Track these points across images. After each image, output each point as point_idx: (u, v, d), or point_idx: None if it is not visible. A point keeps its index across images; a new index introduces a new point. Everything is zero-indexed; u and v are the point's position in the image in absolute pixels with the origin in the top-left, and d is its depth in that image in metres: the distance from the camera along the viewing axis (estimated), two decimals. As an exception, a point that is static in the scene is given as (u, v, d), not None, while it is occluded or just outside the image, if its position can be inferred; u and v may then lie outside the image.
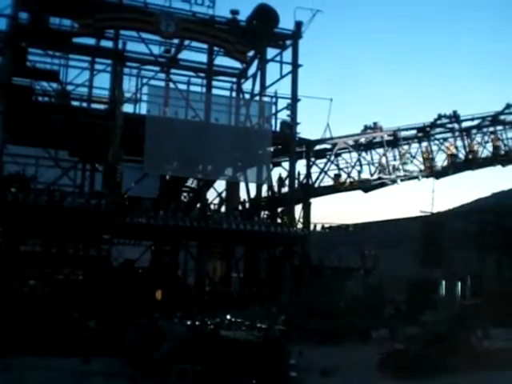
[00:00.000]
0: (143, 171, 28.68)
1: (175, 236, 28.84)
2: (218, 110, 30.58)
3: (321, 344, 21.70)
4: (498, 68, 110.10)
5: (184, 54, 32.04)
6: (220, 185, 32.58)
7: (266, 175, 31.02)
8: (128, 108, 28.06)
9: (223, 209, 32.01)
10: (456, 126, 34.49)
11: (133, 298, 23.13)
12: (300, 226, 30.39)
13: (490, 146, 35.11)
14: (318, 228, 32.50)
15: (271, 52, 31.97)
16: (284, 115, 30.81)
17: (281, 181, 31.78)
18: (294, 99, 30.52)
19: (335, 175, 32.90)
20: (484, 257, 35.96)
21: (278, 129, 30.74)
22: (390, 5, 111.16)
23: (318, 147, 33.19)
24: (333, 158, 32.98)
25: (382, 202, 78.73)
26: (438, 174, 34.07)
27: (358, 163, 33.05)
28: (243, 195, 32.46)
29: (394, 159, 33.40)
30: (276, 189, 31.74)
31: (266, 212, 31.52)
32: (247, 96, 33.17)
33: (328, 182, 33.01)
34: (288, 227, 29.02)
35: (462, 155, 34.49)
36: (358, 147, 33.28)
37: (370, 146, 33.51)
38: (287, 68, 31.14)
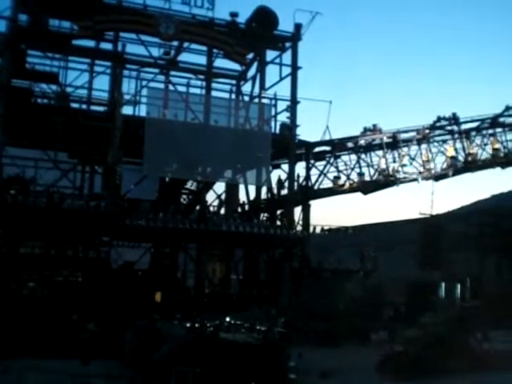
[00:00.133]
0: (142, 173, 28.67)
1: (175, 238, 28.83)
2: (218, 112, 30.57)
3: (320, 346, 21.69)
4: (497, 70, 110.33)
5: (183, 56, 32.09)
6: (219, 187, 32.63)
7: (265, 177, 31.03)
8: (127, 110, 28.09)
9: (223, 211, 31.99)
10: (455, 128, 34.53)
11: (132, 300, 23.10)
12: (299, 228, 30.39)
13: (489, 149, 35.15)
14: (318, 230, 32.50)
15: (271, 54, 32.02)
16: (283, 117, 30.84)
17: (280, 183, 31.78)
18: (294, 101, 30.53)
19: (334, 177, 32.94)
20: (483, 259, 36.02)
21: (277, 131, 30.75)
22: (389, 8, 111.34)
23: (317, 149, 33.23)
24: (332, 160, 33.02)
25: (381, 204, 78.79)
26: (438, 176, 34.09)
27: (357, 165, 33.10)
28: (242, 197, 32.50)
29: (394, 161, 33.42)
30: (275, 191, 31.75)
31: (266, 214, 31.52)
32: (246, 98, 33.18)
33: (327, 184, 33.06)
34: (287, 229, 29.01)
35: (461, 157, 34.52)
36: (358, 149, 33.31)
37: (369, 148, 33.54)
38: (287, 70, 31.16)
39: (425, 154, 33.73)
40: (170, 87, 31.27)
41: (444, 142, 34.42)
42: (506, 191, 48.17)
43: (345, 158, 33.28)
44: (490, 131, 35.19)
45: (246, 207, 32.06)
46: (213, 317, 17.86)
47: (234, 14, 29.98)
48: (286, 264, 29.04)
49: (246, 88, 33.39)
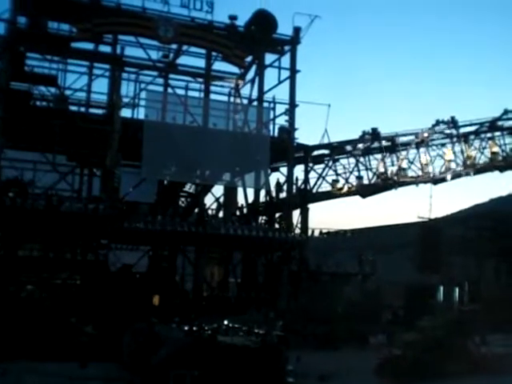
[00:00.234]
0: (141, 176, 28.67)
1: (173, 241, 28.81)
2: (216, 115, 30.58)
3: (319, 349, 21.67)
4: (496, 74, 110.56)
5: (182, 59, 32.13)
6: (218, 190, 32.62)
7: (263, 180, 31.05)
8: (126, 113, 28.14)
9: (221, 214, 31.99)
10: (454, 131, 34.51)
11: (130, 303, 23.07)
12: (298, 231, 30.39)
13: (487, 152, 35.13)
14: (316, 233, 32.51)
15: (269, 57, 32.04)
16: (282, 120, 30.92)
17: (279, 186, 31.79)
18: (292, 105, 30.57)
19: (333, 181, 32.95)
20: (482, 263, 36.00)
21: (276, 134, 30.77)
22: (388, 11, 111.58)
23: (316, 153, 33.25)
24: (331, 163, 33.04)
25: (379, 208, 78.85)
26: (436, 179, 34.10)
27: (355, 169, 33.12)
28: (241, 200, 32.51)
29: (392, 165, 33.44)
30: (274, 194, 31.75)
31: (264, 217, 31.52)
32: (245, 101, 33.19)
33: (326, 187, 33.08)
34: (286, 232, 29.00)
35: (459, 161, 34.53)
36: (356, 153, 33.32)
37: (367, 151, 33.55)
38: (285, 73, 31.21)
39: (423, 157, 33.74)
40: (169, 90, 31.30)
41: (443, 145, 34.42)
42: (504, 195, 48.23)
43: (343, 161, 33.32)
44: (489, 135, 35.17)
45: (245, 210, 32.07)
46: (211, 320, 17.84)
47: (233, 17, 30.03)
48: (284, 267, 29.03)
49: (245, 91, 33.47)
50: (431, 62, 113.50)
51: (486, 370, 17.44)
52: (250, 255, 31.42)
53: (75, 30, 28.24)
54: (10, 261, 24.10)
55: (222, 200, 32.54)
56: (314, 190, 32.84)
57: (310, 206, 32.30)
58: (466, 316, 23.96)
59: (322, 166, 33.09)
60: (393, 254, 38.99)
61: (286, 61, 31.25)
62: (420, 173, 33.52)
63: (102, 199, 25.85)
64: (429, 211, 35.86)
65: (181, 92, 31.32)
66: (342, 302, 27.21)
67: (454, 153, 34.40)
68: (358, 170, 33.09)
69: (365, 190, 33.15)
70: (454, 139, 34.52)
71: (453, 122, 34.39)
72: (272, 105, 30.98)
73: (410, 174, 33.61)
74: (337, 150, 33.13)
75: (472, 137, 34.87)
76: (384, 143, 33.58)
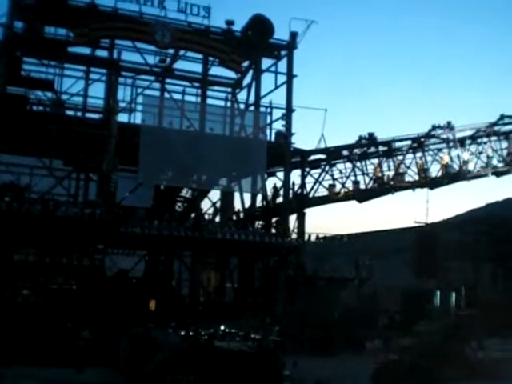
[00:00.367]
0: (138, 181, 28.62)
1: (169, 246, 28.76)
2: (213, 119, 30.57)
3: (315, 355, 21.65)
4: (492, 79, 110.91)
5: (179, 64, 32.09)
6: (214, 194, 32.60)
7: (260, 185, 31.03)
8: (123, 117, 28.06)
9: (218, 219, 31.96)
10: (450, 136, 34.62)
11: (126, 308, 23.01)
12: (294, 236, 30.37)
13: (484, 157, 35.27)
14: (313, 238, 32.48)
15: (266, 62, 32.08)
16: (279, 125, 30.90)
17: (275, 191, 31.78)
18: (289, 109, 30.57)
19: (330, 185, 32.98)
20: (478, 267, 36.06)
21: (272, 139, 30.79)
22: (385, 16, 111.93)
23: (312, 157, 33.28)
24: (327, 168, 33.06)
25: (376, 213, 78.93)
26: (433, 184, 34.15)
27: (352, 173, 33.15)
28: (238, 205, 32.47)
29: (389, 169, 33.50)
30: (270, 199, 31.73)
31: (261, 222, 31.49)
32: (242, 106, 33.21)
33: (322, 192, 33.10)
34: (282, 237, 28.98)
35: (456, 166, 34.60)
36: (353, 157, 33.35)
37: (364, 156, 33.59)
38: (282, 78, 31.24)
39: (420, 162, 33.80)
40: (166, 95, 31.29)
41: (439, 150, 34.51)
42: (500, 200, 48.36)
43: (340, 166, 33.38)
44: (485, 140, 35.31)
45: (241, 215, 32.03)
46: (207, 325, 17.80)
47: (229, 22, 30.05)
48: (280, 272, 28.98)
49: (242, 96, 33.48)
50: (428, 66, 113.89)
51: (483, 374, 17.46)
52: (246, 260, 31.38)
53: (72, 35, 28.20)
54: (5, 265, 24.01)
55: (218, 205, 32.52)
56: (311, 195, 32.86)
57: (307, 210, 32.32)
58: (463, 321, 24.00)
59: (319, 170, 33.11)
60: (389, 258, 39.01)
61: (282, 66, 31.30)
62: (416, 177, 33.59)
63: (98, 204, 25.80)
64: (425, 216, 35.94)
65: (178, 97, 31.37)
66: (338, 307, 27.21)
67: (451, 158, 34.50)
68: (355, 175, 33.14)
69: (361, 195, 33.18)
70: (451, 144, 34.61)
71: (449, 127, 34.49)
72: (269, 110, 31.01)
73: (407, 178, 33.67)
74: (333, 154, 33.16)
75: (468, 142, 34.99)
76: (381, 148, 33.64)
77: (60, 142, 25.47)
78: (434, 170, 34.12)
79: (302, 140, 56.12)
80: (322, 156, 33.29)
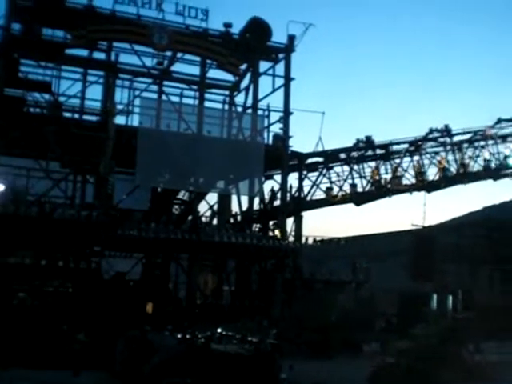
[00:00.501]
0: (135, 183, 28.57)
1: (166, 248, 28.70)
2: (211, 122, 30.56)
3: (312, 358, 21.62)
4: (491, 81, 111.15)
5: (177, 67, 32.11)
6: (212, 197, 32.55)
7: (257, 188, 31.01)
8: (120, 120, 28.06)
9: (215, 221, 31.92)
10: (447, 140, 34.65)
11: (123, 311, 22.95)
12: (292, 239, 30.33)
13: (481, 160, 35.28)
14: (310, 241, 32.47)
15: (264, 65, 32.07)
16: (276, 128, 30.90)
17: (273, 194, 31.76)
18: (287, 112, 30.58)
19: (327, 188, 32.96)
20: (475, 270, 36.07)
21: (270, 142, 30.78)
22: (382, 17, 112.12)
23: (310, 160, 33.27)
24: (325, 171, 33.06)
25: (373, 216, 78.93)
26: (430, 187, 34.15)
27: (349, 176, 33.14)
28: (235, 208, 32.44)
29: (386, 173, 33.50)
30: (268, 202, 31.69)
31: (258, 225, 31.46)
32: (239, 109, 33.19)
33: (320, 195, 33.09)
34: (279, 240, 28.95)
35: (453, 169, 34.62)
36: (350, 160, 33.36)
37: (361, 159, 33.59)
38: (280, 81, 31.23)
39: (417, 165, 33.81)
40: (163, 97, 31.25)
41: (436, 153, 34.52)
42: (497, 203, 48.38)
43: (337, 169, 33.37)
44: (482, 143, 35.33)
45: (239, 218, 31.99)
46: (204, 328, 17.76)
47: (227, 25, 30.04)
48: (278, 275, 28.96)
49: (239, 99, 33.47)
50: (426, 68, 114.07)
51: (480, 377, 17.45)
52: (243, 263, 31.33)
53: (69, 37, 28.17)
54: (1, 268, 23.92)
55: (215, 207, 32.48)
56: (308, 198, 32.84)
57: (304, 213, 32.30)
58: (460, 324, 23.97)
59: (316, 173, 33.11)
60: (387, 261, 39.03)
61: (280, 69, 31.32)
62: (414, 181, 33.60)
63: (95, 206, 25.75)
64: (422, 219, 35.94)
65: (175, 99, 31.34)
66: (335, 310, 27.16)
67: (448, 161, 34.52)
68: (352, 178, 33.13)
69: (359, 198, 33.17)
70: (448, 147, 34.64)
71: (446, 131, 34.51)
72: (266, 112, 31.02)
73: (404, 181, 33.67)
74: (331, 157, 33.16)
75: (466, 145, 35.01)
76: (378, 151, 33.64)
77: (57, 144, 25.42)
78: (432, 174, 34.15)
79: (300, 143, 56.15)
80: (320, 159, 33.29)
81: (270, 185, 32.08)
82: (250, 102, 32.29)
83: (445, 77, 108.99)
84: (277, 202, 31.46)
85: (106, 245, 26.24)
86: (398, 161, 33.70)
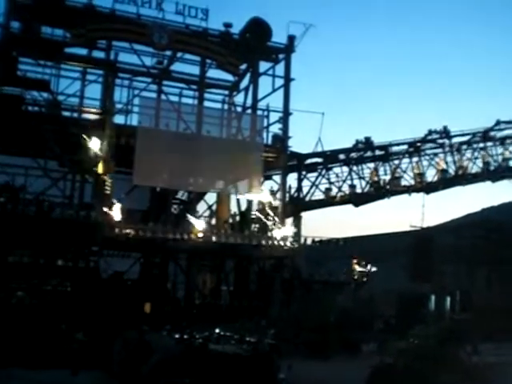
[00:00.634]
0: (133, 183, 28.51)
1: (164, 248, 28.65)
2: (210, 122, 30.52)
3: (310, 358, 21.57)
4: (489, 84, 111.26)
5: (176, 66, 32.02)
6: (211, 197, 32.51)
7: (257, 188, 30.92)
8: (119, 119, 28.02)
9: (214, 221, 31.87)
10: (446, 141, 34.71)
11: (121, 311, 22.91)
12: (290, 239, 30.29)
13: (479, 162, 35.36)
14: (309, 242, 32.47)
15: (264, 65, 32.04)
16: (276, 128, 30.88)
17: (272, 194, 31.70)
18: (286, 113, 30.55)
19: (326, 189, 32.98)
20: (473, 271, 36.13)
21: (269, 142, 30.76)
22: (383, 21, 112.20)
23: (309, 161, 33.26)
24: (324, 171, 33.06)
25: (372, 217, 78.88)
26: (429, 188, 34.20)
27: (348, 177, 33.16)
28: (234, 208, 32.40)
29: (385, 174, 33.54)
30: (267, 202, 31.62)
31: (257, 225, 31.41)
32: (239, 109, 33.16)
33: (319, 195, 33.09)
34: (278, 241, 28.91)
35: (452, 171, 34.66)
36: (349, 161, 33.36)
37: (361, 160, 33.61)
38: (279, 81, 31.20)
39: (416, 166, 33.85)
40: (163, 97, 31.20)
41: (435, 155, 34.59)
42: (496, 205, 48.47)
43: (336, 169, 33.41)
44: (481, 145, 35.41)
45: (237, 218, 31.96)
46: (202, 328, 17.73)
47: (227, 25, 30.01)
48: (276, 275, 28.94)
49: (239, 99, 33.45)
50: (426, 70, 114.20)
51: (478, 379, 17.41)
52: (242, 263, 31.30)
53: (69, 36, 28.12)
54: (0, 267, 23.88)
55: (214, 207, 32.44)
56: (307, 199, 32.84)
57: (303, 214, 32.27)
58: (458, 325, 23.99)
59: (315, 174, 33.12)
60: (385, 262, 39.03)
61: (280, 69, 31.28)
62: (412, 182, 33.64)
63: (93, 206, 25.71)
64: (421, 220, 36.02)
65: (174, 99, 31.26)
66: (334, 311, 27.15)
67: (447, 163, 34.57)
68: (351, 179, 33.18)
69: (358, 199, 33.19)
70: (447, 149, 34.70)
71: (445, 132, 34.60)
72: (266, 113, 30.98)
73: (403, 183, 33.71)
74: (330, 158, 33.18)
75: (464, 147, 35.10)
76: (377, 152, 33.67)
77: (55, 142, 25.36)
78: (430, 175, 34.22)
79: (299, 143, 56.06)
80: (319, 160, 33.30)
81: (269, 185, 32.12)
82: (249, 102, 32.25)
83: (445, 77, 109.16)
84: (276, 203, 31.42)
85: (104, 244, 26.20)
86: (396, 162, 33.76)
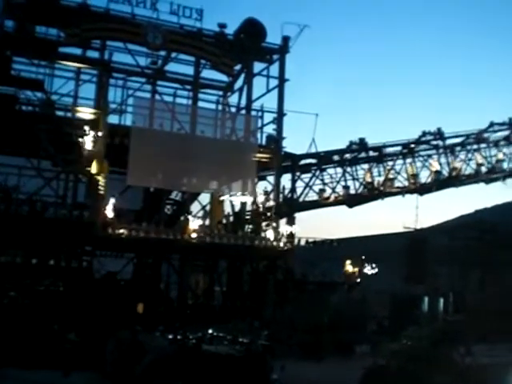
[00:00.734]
0: (127, 183, 28.44)
1: (158, 249, 28.60)
2: (204, 122, 30.49)
3: (304, 359, 21.59)
4: (483, 86, 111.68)
5: (170, 66, 31.99)
6: (204, 197, 32.47)
7: (250, 189, 30.94)
8: (113, 119, 27.96)
9: (207, 222, 31.83)
10: (440, 143, 34.83)
11: (114, 311, 22.85)
12: (284, 240, 30.28)
13: (473, 164, 35.49)
14: (302, 242, 32.43)
15: (258, 66, 32.06)
16: (270, 129, 30.89)
17: (266, 195, 31.70)
18: (280, 113, 30.56)
19: (320, 190, 33.00)
20: (467, 273, 36.21)
21: (263, 143, 30.76)
22: (377, 23, 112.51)
23: (303, 162, 33.27)
24: (318, 172, 33.07)
25: (366, 218, 78.99)
26: (422, 190, 34.28)
27: (342, 178, 33.19)
28: (228, 209, 32.37)
29: (379, 175, 33.58)
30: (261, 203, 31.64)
31: (250, 226, 31.39)
32: (233, 109, 33.15)
33: (313, 196, 33.10)
34: (272, 241, 28.90)
35: (445, 172, 34.77)
36: (343, 162, 33.39)
37: (354, 161, 33.65)
38: (274, 82, 31.22)
39: (410, 168, 33.93)
40: (157, 97, 31.16)
41: (429, 156, 34.68)
42: (489, 206, 48.66)
43: (330, 170, 33.41)
44: (475, 146, 35.54)
45: (231, 218, 31.93)
46: (196, 329, 17.71)
47: (222, 25, 30.00)
48: (270, 276, 28.92)
49: (233, 99, 33.43)
50: (422, 70, 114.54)
51: (471, 380, 17.43)
52: (235, 264, 31.27)
53: (63, 35, 28.05)
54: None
55: (208, 208, 32.40)
56: (301, 199, 32.84)
57: (297, 215, 32.27)
58: (451, 326, 24.01)
59: (309, 175, 33.13)
60: (379, 263, 39.07)
61: (274, 70, 31.31)
62: (406, 183, 33.72)
63: (86, 206, 25.63)
64: (415, 222, 36.08)
65: (169, 99, 31.22)
66: (327, 312, 27.15)
67: (440, 164, 34.67)
68: (345, 180, 33.21)
69: (351, 200, 33.23)
70: (441, 150, 34.81)
71: (439, 134, 34.71)
72: (260, 113, 30.99)
73: (397, 184, 33.77)
74: (324, 159, 33.20)
75: (458, 148, 35.24)
76: (371, 153, 33.72)
77: (49, 142, 25.28)
78: (424, 176, 34.31)
79: (293, 144, 56.12)
80: (313, 160, 33.31)
81: (263, 186, 32.10)
82: (243, 102, 32.25)
83: (442, 77, 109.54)
84: (270, 203, 31.42)
85: (97, 244, 26.13)
86: (391, 163, 33.82)
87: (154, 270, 30.84)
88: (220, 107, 33.67)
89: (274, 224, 29.65)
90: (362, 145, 33.65)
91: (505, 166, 36.44)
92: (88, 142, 25.64)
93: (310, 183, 32.99)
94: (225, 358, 15.10)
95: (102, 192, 25.99)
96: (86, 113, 28.04)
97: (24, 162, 26.66)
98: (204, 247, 27.68)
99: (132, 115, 28.66)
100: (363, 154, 33.79)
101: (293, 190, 32.63)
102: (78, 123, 26.79)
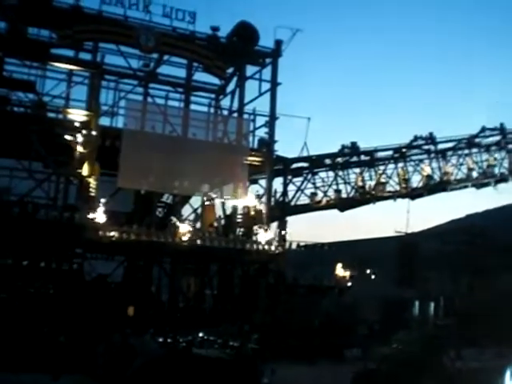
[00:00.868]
0: (118, 185, 28.37)
1: (149, 251, 28.52)
2: (196, 125, 30.49)
3: (294, 363, 21.57)
4: (475, 91, 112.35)
5: (163, 69, 31.92)
6: (196, 200, 32.42)
7: (242, 192, 30.91)
8: (104, 121, 27.88)
9: (198, 225, 31.78)
10: (432, 147, 34.97)
11: (105, 314, 22.76)
12: (275, 243, 30.28)
13: (464, 168, 35.67)
14: (294, 246, 32.45)
15: (251, 69, 32.06)
16: (262, 133, 30.91)
17: (257, 198, 31.70)
18: (273, 117, 30.58)
19: (311, 193, 33.05)
20: (457, 277, 36.33)
21: (255, 146, 30.78)
22: (370, 24, 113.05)
23: (295, 165, 33.31)
24: (309, 176, 33.13)
25: (357, 222, 79.20)
26: (414, 194, 34.41)
27: (334, 182, 33.26)
28: (219, 212, 32.32)
29: (371, 179, 33.68)
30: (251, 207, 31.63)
31: (242, 229, 31.38)
32: (225, 112, 33.15)
33: (304, 200, 33.15)
34: (263, 245, 28.89)
35: (437, 177, 34.91)
36: (335, 166, 33.47)
37: (346, 165, 33.74)
38: (266, 86, 31.24)
39: (401, 172, 34.06)
40: (149, 99, 31.09)
41: (420, 161, 34.83)
42: (480, 211, 48.90)
43: (322, 174, 33.53)
44: (466, 151, 35.72)
45: (222, 222, 31.90)
46: (186, 332, 17.69)
47: (215, 28, 29.99)
48: (261, 280, 28.89)
49: (225, 102, 33.43)
50: (411, 78, 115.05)
51: (461, 384, 17.51)
52: (226, 267, 31.24)
53: (55, 37, 27.97)
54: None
55: (199, 211, 32.35)
56: (293, 203, 32.88)
57: (288, 218, 32.28)
58: (441, 331, 24.12)
59: (301, 178, 33.19)
60: (370, 267, 39.18)
61: (267, 73, 31.31)
62: (398, 187, 33.83)
63: (77, 208, 25.54)
64: (406, 226, 36.20)
65: (161, 101, 31.18)
66: (318, 316, 27.19)
67: (432, 168, 34.82)
68: (337, 184, 33.30)
69: (343, 204, 33.31)
70: (432, 155, 34.97)
71: (431, 138, 34.87)
72: (252, 117, 31.01)
73: (388, 188, 33.89)
74: (316, 163, 33.27)
75: (450, 153, 35.41)
76: (363, 157, 33.82)
77: (41, 144, 25.19)
78: (416, 181, 34.44)
79: (285, 148, 56.12)
80: (305, 164, 33.37)
81: (255, 189, 32.10)
82: (235, 105, 32.24)
83: (434, 81, 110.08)
84: (261, 207, 31.41)
85: (88, 247, 26.02)
86: (382, 167, 33.96)
87: (145, 272, 30.74)
88: (212, 110, 33.68)
89: (266, 227, 29.65)
90: (353, 149, 33.75)
91: (496, 170, 36.68)
92: (79, 144, 25.55)
93: (302, 187, 33.07)
94: (215, 361, 15.10)
95: (93, 194, 25.90)
96: (77, 115, 27.94)
97: (15, 164, 26.54)
98: (195, 250, 27.62)
99: (124, 117, 28.67)
100: (355, 158, 33.90)
101: (284, 193, 32.67)
102: (69, 125, 26.71)
